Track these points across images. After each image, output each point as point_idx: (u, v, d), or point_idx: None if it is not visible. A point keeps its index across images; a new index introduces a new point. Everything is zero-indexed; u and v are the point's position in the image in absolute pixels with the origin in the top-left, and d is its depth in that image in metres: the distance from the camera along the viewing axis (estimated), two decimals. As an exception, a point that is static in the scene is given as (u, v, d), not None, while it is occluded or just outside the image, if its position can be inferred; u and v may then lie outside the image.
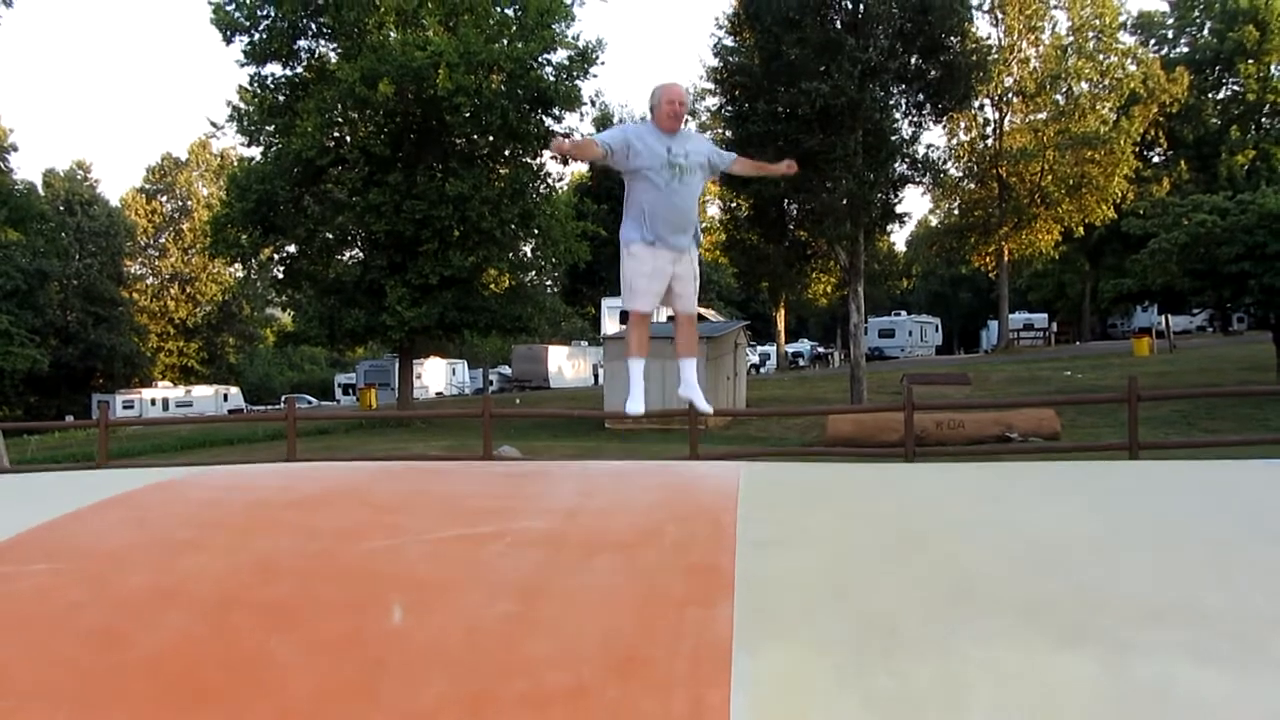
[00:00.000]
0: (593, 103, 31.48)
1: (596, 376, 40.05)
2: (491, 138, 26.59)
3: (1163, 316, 44.13)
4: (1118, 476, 5.77)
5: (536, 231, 28.07)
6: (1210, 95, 54.72)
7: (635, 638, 2.69)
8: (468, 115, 25.14)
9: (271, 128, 27.08)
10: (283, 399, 21.87)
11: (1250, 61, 52.57)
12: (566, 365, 49.02)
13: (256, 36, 26.62)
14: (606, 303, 38.06)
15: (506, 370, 52.92)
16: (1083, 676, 2.48)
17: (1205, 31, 55.09)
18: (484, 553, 3.33)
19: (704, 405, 5.76)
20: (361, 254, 28.50)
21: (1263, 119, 55.04)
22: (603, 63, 28.62)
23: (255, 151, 28.46)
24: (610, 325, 35.39)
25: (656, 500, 4.17)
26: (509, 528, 3.69)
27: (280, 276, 30.29)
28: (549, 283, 42.86)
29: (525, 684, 2.44)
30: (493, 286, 29.24)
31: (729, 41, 24.74)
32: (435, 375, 50.38)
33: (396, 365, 31.32)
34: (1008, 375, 29.15)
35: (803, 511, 4.06)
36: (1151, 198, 38.86)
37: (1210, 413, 18.05)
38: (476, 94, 24.13)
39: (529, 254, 30.31)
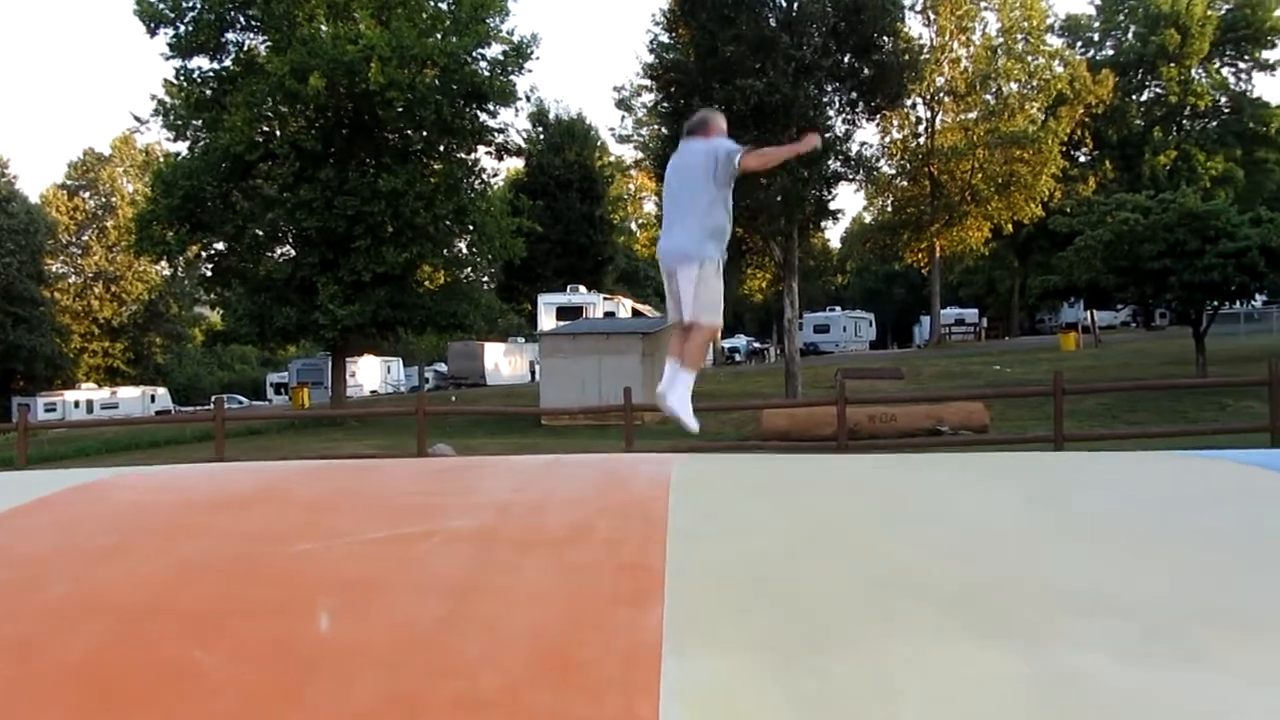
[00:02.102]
0: (527, 98, 31.36)
1: (533, 373, 39.90)
2: (425, 133, 26.32)
3: (1088, 312, 45.22)
4: (1043, 469, 5.90)
5: (471, 227, 27.86)
6: (1134, 97, 56.14)
7: (567, 639, 2.68)
8: (401, 110, 24.86)
9: (199, 122, 26.51)
10: (212, 399, 21.52)
11: (1172, 65, 54.05)
12: (503, 362, 48.77)
13: (182, 29, 26.02)
14: (543, 299, 37.93)
15: (443, 368, 52.49)
16: (1009, 668, 2.53)
17: (1129, 35, 56.50)
18: (414, 552, 3.30)
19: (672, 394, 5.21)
20: (293, 251, 28.03)
21: (1184, 121, 56.62)
22: (537, 58, 28.42)
23: (182, 146, 27.88)
24: (546, 321, 35.28)
25: (588, 495, 4.16)
26: (439, 526, 3.66)
27: (209, 274, 29.70)
28: (485, 279, 42.58)
29: (458, 686, 2.42)
30: (427, 283, 28.96)
31: (665, 38, 24.76)
32: (370, 373, 49.82)
33: (330, 364, 30.89)
34: (939, 370, 29.64)
35: (735, 506, 4.08)
36: (1077, 196, 39.84)
37: (1133, 406, 18.53)
38: (410, 88, 23.86)
39: (464, 250, 30.06)
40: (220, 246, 28.22)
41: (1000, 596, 2.95)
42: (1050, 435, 12.38)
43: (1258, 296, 26.55)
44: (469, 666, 2.47)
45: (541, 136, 47.41)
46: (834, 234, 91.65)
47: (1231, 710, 2.33)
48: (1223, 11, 55.43)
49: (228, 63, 26.87)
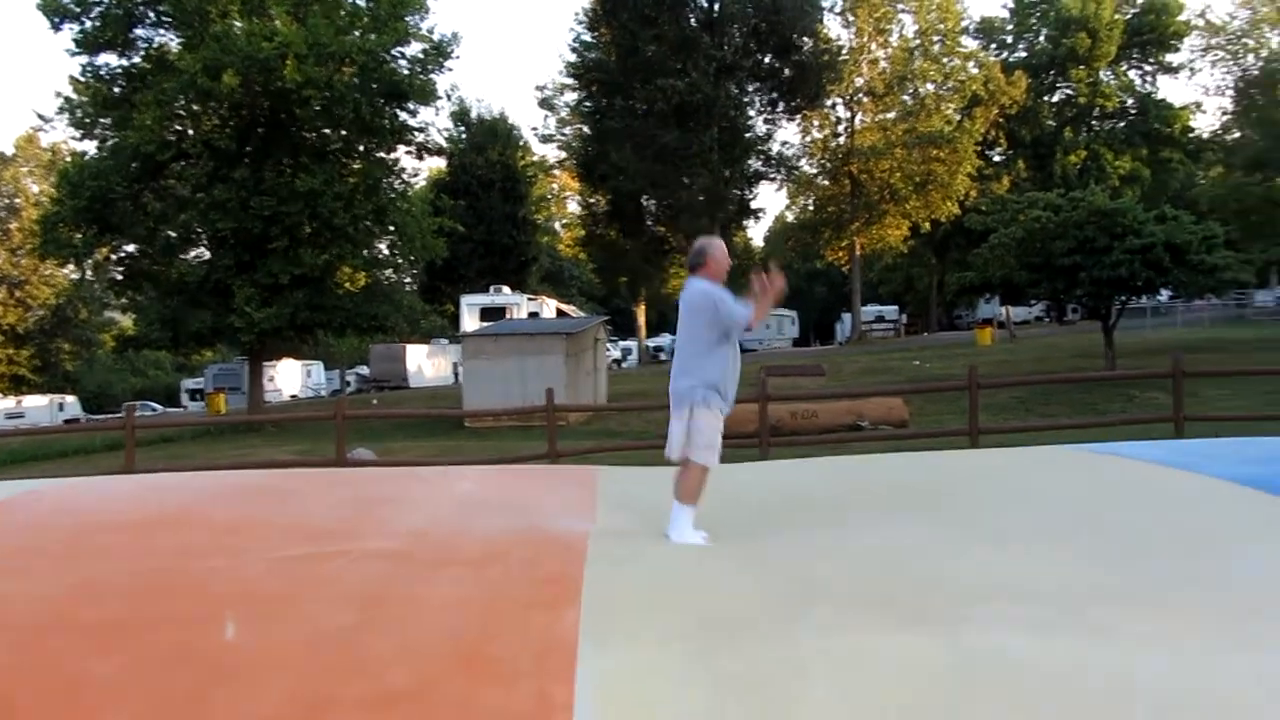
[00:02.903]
0: (448, 97, 31.02)
1: (456, 375, 39.55)
2: (344, 131, 25.85)
3: (1004, 308, 46.34)
4: (956, 463, 6.04)
5: (392, 228, 27.45)
6: (1046, 98, 57.53)
7: (482, 636, 2.67)
8: (318, 108, 24.37)
9: (107, 120, 25.67)
10: (124, 407, 20.86)
11: (1082, 67, 55.58)
12: (426, 364, 48.22)
13: (88, 24, 25.18)
14: (465, 300, 37.61)
15: (365, 371, 51.74)
16: (919, 654, 2.59)
17: (1041, 38, 57.89)
18: (327, 568, 3.25)
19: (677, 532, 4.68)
20: (207, 253, 27.34)
21: (1093, 121, 58.24)
22: (458, 56, 28.21)
23: (90, 145, 26.93)
24: (470, 322, 35.01)
25: (509, 507, 4.15)
26: (355, 545, 3.62)
27: (119, 277, 28.78)
28: (407, 280, 42.07)
29: (366, 684, 2.40)
30: (347, 285, 28.48)
31: (587, 37, 24.78)
32: (289, 378, 48.85)
33: (247, 368, 30.25)
34: (860, 366, 30.08)
35: (656, 509, 4.11)
36: (992, 195, 40.60)
37: (1046, 398, 19.00)
38: (327, 87, 23.42)
39: (385, 251, 29.64)
40: (131, 249, 27.39)
41: (910, 589, 3.02)
42: (967, 429, 12.64)
43: (1163, 291, 27.40)
44: (378, 665, 2.45)
45: (463, 136, 47.00)
46: (757, 232, 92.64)
47: (1127, 672, 2.45)
48: (1129, 16, 57.17)
49: (137, 59, 26.06)
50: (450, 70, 32.10)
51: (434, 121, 57.89)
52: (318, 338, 29.17)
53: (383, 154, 27.19)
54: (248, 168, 24.44)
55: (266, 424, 23.60)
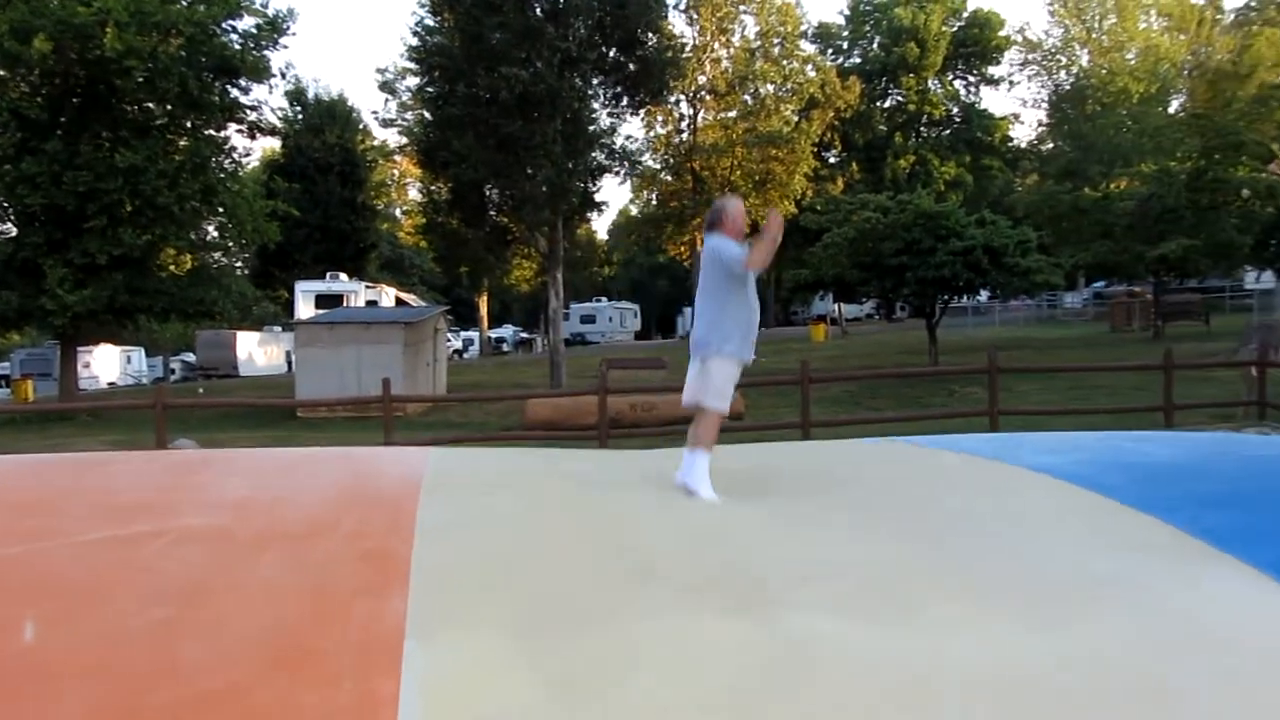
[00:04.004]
0: (283, 75, 29.85)
1: (290, 363, 38.24)
2: (169, 106, 24.54)
3: (836, 305, 48.05)
4: (782, 455, 6.24)
5: (221, 209, 26.24)
6: (879, 104, 59.89)
7: (302, 631, 2.58)
8: (141, 80, 23.02)
9: (-101, 83, 23.71)
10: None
11: (911, 75, 58.10)
12: (258, 352, 46.41)
13: (-124, -22, 23.17)
14: (300, 286, 36.38)
15: (191, 358, 49.42)
16: (744, 635, 2.66)
17: (875, 45, 60.21)
18: (139, 554, 3.09)
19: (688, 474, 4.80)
20: (14, 229, 25.54)
21: (921, 128, 60.94)
22: (294, 33, 27.13)
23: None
24: (304, 309, 33.90)
25: (335, 489, 4.03)
26: (170, 525, 3.44)
27: (-87, 255, 26.63)
28: (238, 264, 40.35)
29: (177, 688, 2.29)
30: (172, 267, 27.10)
31: (431, 21, 24.23)
32: (107, 364, 46.13)
33: (59, 353, 28.41)
34: (700, 359, 30.57)
35: (489, 497, 4.07)
36: (827, 195, 42.04)
37: (874, 392, 19.81)
38: (151, 58, 22.16)
39: (213, 233, 28.32)
40: (-74, 224, 25.42)
41: (737, 575, 3.10)
42: (799, 422, 13.05)
43: (982, 292, 28.94)
44: (191, 667, 2.35)
45: (299, 117, 45.39)
46: (601, 225, 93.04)
47: (937, 654, 2.58)
48: (955, 29, 60.10)
49: (-65, 18, 24.17)
50: (286, 48, 30.95)
51: (267, 100, 55.61)
52: (139, 323, 27.64)
53: (212, 131, 25.93)
54: (61, 140, 22.91)
55: (80, 413, 22.25)
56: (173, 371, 48.34)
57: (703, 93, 48.64)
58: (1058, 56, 58.28)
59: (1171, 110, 42.77)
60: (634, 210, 58.95)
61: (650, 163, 47.09)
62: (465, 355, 48.42)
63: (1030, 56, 59.61)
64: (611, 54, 23.90)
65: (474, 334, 53.10)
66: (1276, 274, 34.56)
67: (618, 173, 27.31)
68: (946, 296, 24.79)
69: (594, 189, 25.04)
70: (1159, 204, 28.97)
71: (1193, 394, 15.27)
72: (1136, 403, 14.73)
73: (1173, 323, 30.68)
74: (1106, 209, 30.36)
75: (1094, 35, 56.66)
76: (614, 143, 25.32)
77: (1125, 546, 3.41)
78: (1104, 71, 50.77)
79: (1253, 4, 59.81)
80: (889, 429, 12.49)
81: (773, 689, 2.38)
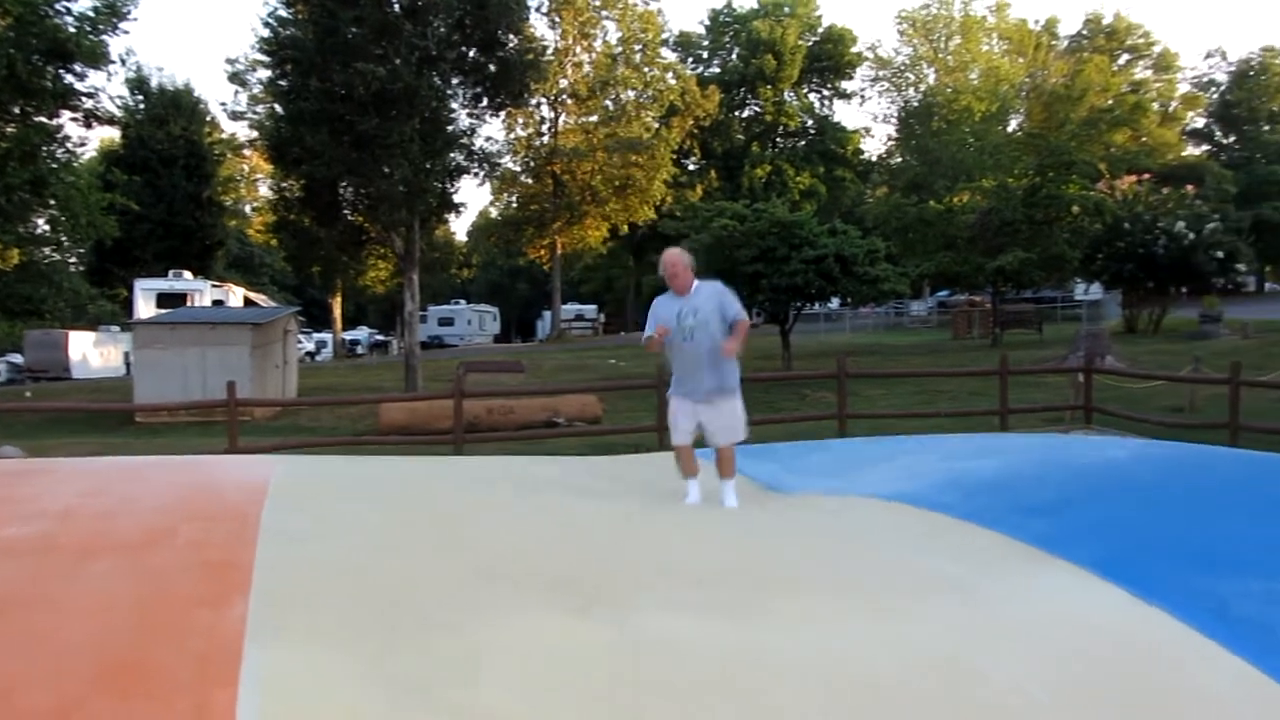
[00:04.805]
0: (123, 61, 28.42)
1: (128, 365, 36.42)
2: (-4, 91, 23.14)
3: (694, 310, 48.57)
4: (631, 460, 6.30)
5: (53, 201, 24.82)
6: (737, 114, 61.12)
7: (134, 643, 2.48)
8: (-36, 63, 21.66)
9: None
10: None
11: (768, 87, 59.50)
12: (93, 353, 43.91)
13: None
14: (140, 284, 34.69)
15: (19, 359, 46.50)
16: (595, 637, 2.68)
17: (734, 56, 61.40)
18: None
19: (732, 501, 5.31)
20: None
21: (778, 138, 62.48)
22: (135, 18, 25.83)
23: None
24: (145, 309, 32.36)
25: (174, 496, 3.88)
26: (-11, 535, 3.24)
27: None
28: (71, 260, 38.18)
29: (-6, 710, 2.16)
30: (-3, 262, 25.53)
31: (284, 12, 23.44)
32: (-79, 365, 43.03)
33: None
34: (559, 363, 30.58)
35: (336, 503, 3.98)
36: (686, 202, 42.63)
37: (730, 396, 20.18)
38: (-26, 38, 20.87)
39: (44, 227, 26.73)
40: None
41: (588, 576, 3.12)
42: (655, 425, 13.18)
43: (834, 299, 29.81)
44: (7, 685, 2.22)
45: (141, 107, 43.32)
46: (461, 226, 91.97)
47: (781, 644, 2.66)
48: (810, 43, 61.87)
49: None
50: (126, 33, 29.33)
51: (105, 88, 52.91)
52: (-42, 321, 25.89)
53: (43, 119, 24.47)
54: None
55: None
56: (-2, 373, 45.40)
57: (564, 96, 48.70)
58: (906, 74, 60.77)
59: (1010, 129, 44.96)
60: (494, 212, 58.50)
61: (510, 165, 46.86)
62: (318, 358, 47.06)
63: (881, 73, 61.99)
64: (471, 54, 23.61)
65: (327, 336, 51.67)
66: (1103, 286, 36.84)
67: (477, 174, 26.99)
68: (800, 304, 25.43)
69: (453, 190, 24.67)
70: (998, 218, 30.48)
71: (1026, 398, 16.11)
72: (975, 406, 15.47)
73: (1010, 331, 32.30)
74: (950, 221, 31.74)
75: (940, 55, 59.29)
76: (474, 144, 24.99)
77: (957, 550, 3.58)
78: (949, 90, 53.02)
79: (1084, 32, 63.72)
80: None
81: (622, 688, 2.41)
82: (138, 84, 42.82)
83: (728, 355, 5.62)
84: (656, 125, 49.67)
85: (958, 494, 4.56)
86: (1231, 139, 61.46)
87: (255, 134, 36.88)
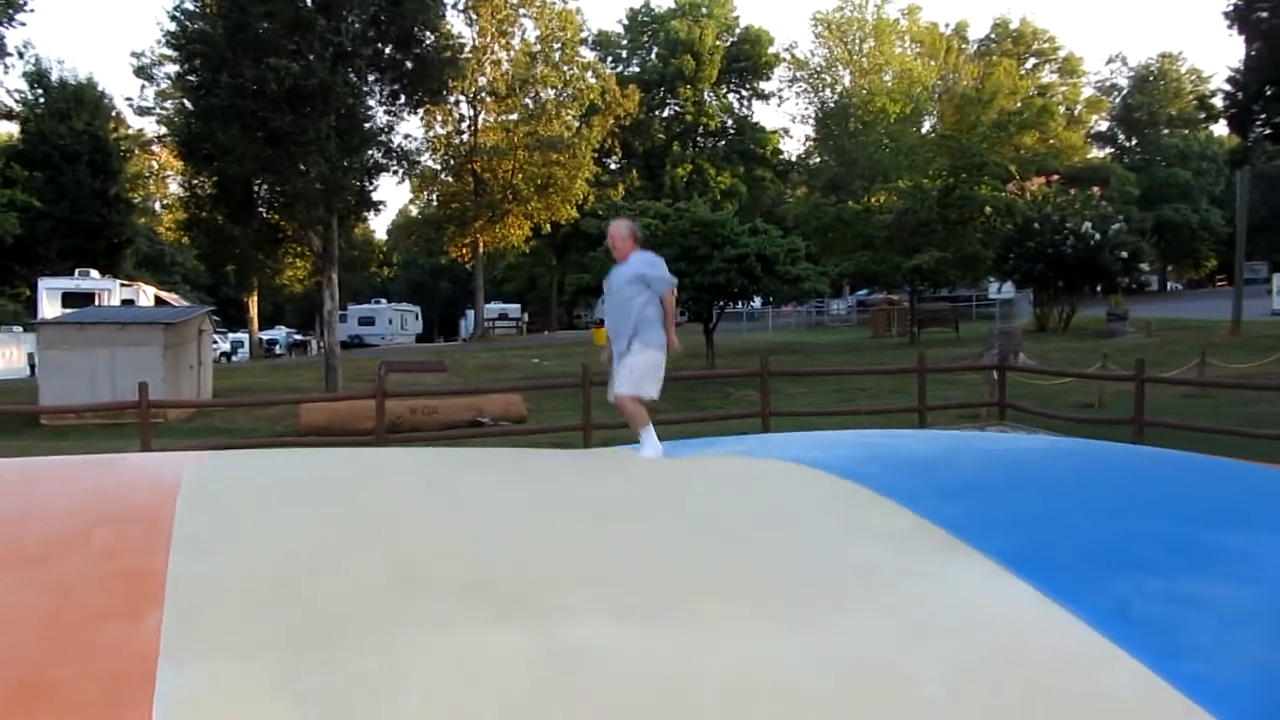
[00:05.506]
0: (20, 54, 27.40)
1: (32, 367, 35.18)
2: (-114, 83, 22.20)
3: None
4: (552, 461, 6.28)
5: (-50, 198, 23.95)
6: (657, 113, 61.35)
7: (39, 661, 2.37)
8: None
9: None
10: None
11: (688, 87, 59.84)
12: (-6, 354, 42.44)
13: None
14: (44, 283, 33.46)
15: (-87, 362, 44.61)
16: (515, 645, 2.64)
17: (653, 56, 61.62)
18: None
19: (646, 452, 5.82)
20: None
21: (698, 138, 62.87)
22: (32, 10, 24.93)
23: None
24: (50, 309, 31.24)
25: (80, 501, 3.73)
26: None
27: None
28: (-30, 259, 36.73)
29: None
30: (-111, 261, 24.47)
31: (191, 4, 22.81)
32: None
33: None
34: (482, 362, 30.33)
35: (252, 507, 3.86)
36: (608, 201, 42.64)
37: (653, 395, 20.22)
38: None
39: (-59, 224, 25.75)
40: None
41: (509, 581, 3.08)
42: (580, 425, 13.14)
43: (756, 298, 30.09)
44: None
45: (41, 101, 41.80)
46: (380, 225, 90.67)
47: (703, 651, 2.66)
48: (729, 44, 62.36)
49: None
50: (24, 25, 28.13)
51: (2, 81, 51.08)
52: None
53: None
54: None
55: None
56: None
57: (483, 94, 48.32)
58: (823, 76, 61.59)
59: (924, 131, 45.87)
60: (414, 211, 57.81)
61: (430, 163, 46.41)
62: (234, 358, 45.97)
63: (798, 74, 62.74)
64: (388, 50, 23.29)
65: (243, 336, 50.48)
66: (1015, 285, 37.79)
67: (396, 172, 26.67)
68: (723, 302, 25.62)
69: (371, 188, 24.31)
70: (914, 218, 31.07)
71: (943, 395, 16.45)
72: (894, 404, 15.74)
73: (927, 329, 32.92)
74: (867, 221, 32.27)
75: (855, 57, 60.21)
76: (392, 141, 24.67)
77: (876, 535, 3.62)
78: (864, 92, 53.94)
79: (992, 36, 65.29)
80: (667, 431, 12.79)
81: (544, 699, 2.38)
82: (37, 77, 41.27)
83: (646, 324, 5.93)
84: (577, 124, 49.56)
85: (878, 467, 4.63)
86: (1133, 142, 63.64)
87: (164, 130, 35.85)
